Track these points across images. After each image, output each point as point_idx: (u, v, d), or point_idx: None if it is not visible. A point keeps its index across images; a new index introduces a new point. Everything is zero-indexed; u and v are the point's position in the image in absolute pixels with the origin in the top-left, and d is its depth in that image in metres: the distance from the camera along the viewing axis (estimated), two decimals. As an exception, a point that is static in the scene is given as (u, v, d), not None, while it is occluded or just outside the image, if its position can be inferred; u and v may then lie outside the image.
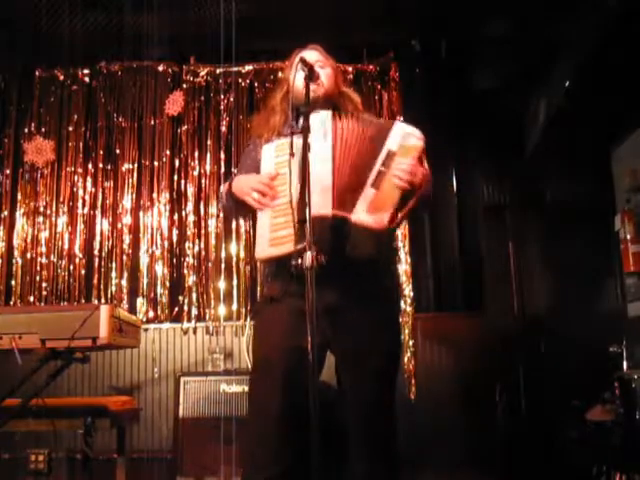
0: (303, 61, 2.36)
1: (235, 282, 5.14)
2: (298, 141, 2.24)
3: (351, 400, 2.43)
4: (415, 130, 2.45)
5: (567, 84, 4.59)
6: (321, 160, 2.29)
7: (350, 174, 2.33)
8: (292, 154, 2.23)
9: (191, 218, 5.26)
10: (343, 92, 2.73)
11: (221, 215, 5.21)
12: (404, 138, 2.40)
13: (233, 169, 5.24)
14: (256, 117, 2.85)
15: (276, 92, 2.75)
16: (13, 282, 5.18)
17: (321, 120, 2.36)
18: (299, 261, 2.16)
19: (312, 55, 2.63)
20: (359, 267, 2.36)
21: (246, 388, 4.19)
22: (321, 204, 2.23)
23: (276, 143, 2.46)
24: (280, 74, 5.33)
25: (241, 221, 5.19)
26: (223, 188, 2.67)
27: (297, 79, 2.44)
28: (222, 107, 5.40)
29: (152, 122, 5.38)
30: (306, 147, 2.18)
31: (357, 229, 2.30)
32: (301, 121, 2.35)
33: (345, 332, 2.37)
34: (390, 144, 2.39)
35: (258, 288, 5.09)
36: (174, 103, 5.32)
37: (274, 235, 2.32)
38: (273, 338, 2.41)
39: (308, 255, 2.02)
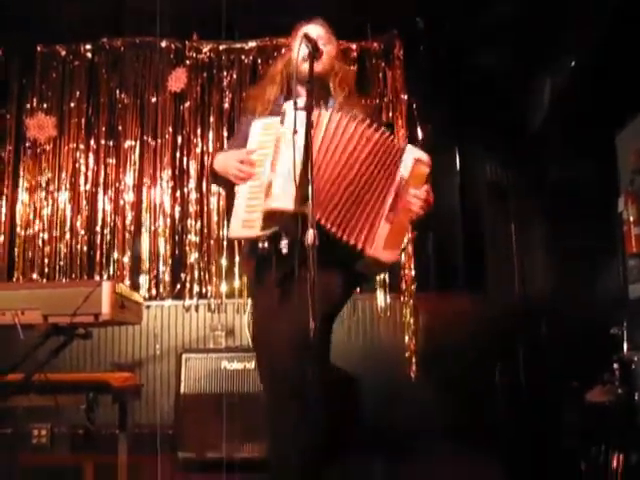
0: (307, 37, 2.34)
1: (237, 259, 5.14)
2: (288, 122, 2.24)
3: None
4: (424, 155, 2.43)
5: (572, 64, 4.56)
6: (302, 154, 2.19)
7: (339, 182, 2.31)
8: (296, 131, 2.19)
9: (193, 195, 5.25)
10: (338, 71, 2.70)
11: (222, 192, 5.21)
12: (415, 164, 2.38)
13: (231, 140, 5.23)
14: (252, 89, 2.84)
15: (278, 62, 2.73)
16: (15, 258, 5.19)
17: (305, 111, 2.26)
18: (265, 245, 2.28)
19: (316, 30, 2.61)
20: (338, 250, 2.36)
21: (247, 365, 4.21)
22: (285, 200, 2.20)
23: (264, 121, 2.46)
24: (284, 50, 5.32)
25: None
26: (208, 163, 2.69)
27: (298, 52, 2.40)
28: (225, 84, 5.37)
29: (154, 99, 5.36)
30: (309, 125, 2.17)
31: (368, 259, 2.32)
32: (299, 99, 2.32)
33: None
34: (402, 171, 2.37)
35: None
36: (177, 80, 5.28)
37: (248, 217, 2.32)
38: (264, 324, 2.48)
39: (310, 233, 2.01)
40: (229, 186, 2.55)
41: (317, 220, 2.14)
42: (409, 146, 2.45)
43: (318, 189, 2.20)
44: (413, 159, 2.39)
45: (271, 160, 2.32)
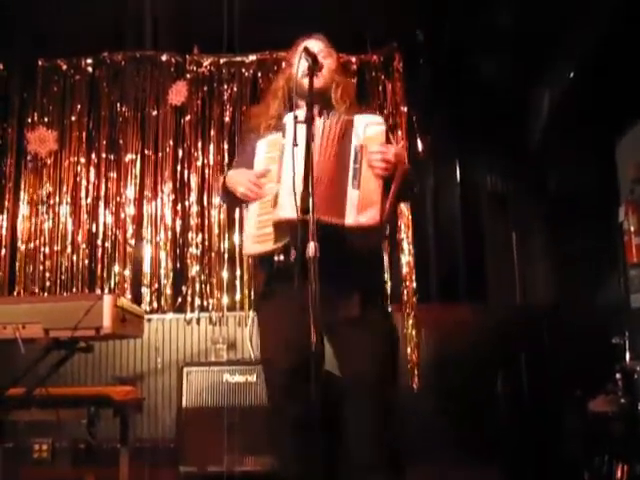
0: (307, 51, 2.36)
1: (238, 272, 5.14)
2: (289, 134, 2.28)
3: (347, 381, 2.49)
4: (374, 117, 2.50)
5: (571, 74, 4.58)
6: (303, 162, 2.22)
7: (330, 178, 2.35)
8: (296, 144, 2.22)
9: (194, 208, 5.25)
10: (339, 84, 2.73)
11: (224, 205, 5.21)
12: (366, 129, 2.42)
13: (236, 159, 5.24)
14: (255, 107, 2.89)
15: (279, 77, 2.76)
16: (17, 272, 5.19)
17: (304, 122, 2.30)
18: (281, 257, 2.32)
19: (316, 45, 2.64)
20: (355, 259, 2.41)
21: (249, 378, 4.20)
22: (291, 208, 2.21)
23: (268, 139, 2.51)
24: (284, 64, 5.34)
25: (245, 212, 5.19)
26: (220, 180, 2.72)
27: (298, 67, 2.44)
28: (225, 97, 5.39)
29: (155, 112, 5.37)
30: (310, 138, 2.18)
31: (351, 231, 2.33)
32: (299, 112, 2.35)
33: (341, 321, 2.44)
34: (355, 140, 2.41)
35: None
36: (177, 93, 5.30)
37: (259, 232, 2.36)
38: (272, 337, 2.51)
39: (311, 246, 2.03)
40: (238, 202, 2.63)
41: (318, 219, 2.17)
42: (357, 116, 2.48)
43: (319, 192, 2.23)
44: (364, 125, 2.43)
45: (277, 173, 2.36)
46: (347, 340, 2.49)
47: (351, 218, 2.32)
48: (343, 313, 2.44)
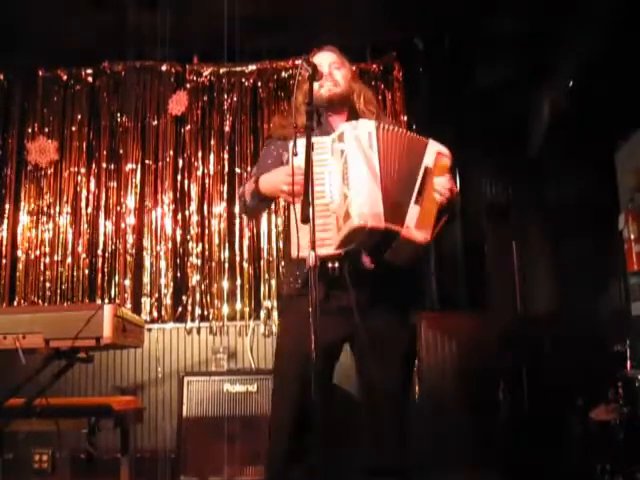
0: (306, 60, 2.38)
1: (239, 282, 5.14)
2: (348, 141, 2.35)
3: (367, 390, 2.56)
4: (445, 149, 2.55)
5: (570, 83, 4.58)
6: (369, 170, 2.35)
7: (394, 187, 2.39)
8: (296, 154, 2.25)
9: (194, 218, 5.26)
10: (360, 93, 2.77)
11: (224, 214, 5.22)
12: (438, 157, 2.50)
13: (237, 169, 5.25)
14: (279, 117, 2.91)
15: (298, 94, 2.77)
16: (17, 282, 5.19)
17: (366, 130, 2.40)
18: (336, 264, 2.39)
19: (327, 57, 2.68)
20: (391, 272, 2.46)
21: (249, 388, 4.20)
22: (374, 216, 2.30)
23: (313, 139, 2.46)
24: (283, 74, 5.36)
25: (245, 221, 5.20)
26: (244, 189, 2.69)
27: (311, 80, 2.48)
28: (225, 107, 5.40)
29: (155, 122, 5.38)
30: (309, 147, 2.19)
31: (402, 242, 2.39)
32: (323, 120, 2.42)
33: (369, 330, 2.46)
34: (427, 162, 2.48)
35: (262, 288, 5.10)
36: (177, 103, 5.31)
37: (319, 235, 2.32)
38: (294, 339, 2.49)
39: (311, 255, 2.04)
40: (268, 205, 2.72)
41: (398, 231, 2.35)
42: (431, 140, 2.54)
43: (390, 200, 2.35)
44: (436, 152, 2.50)
45: (340, 177, 2.37)
46: (368, 350, 2.51)
47: (409, 231, 2.38)
48: (369, 322, 2.45)
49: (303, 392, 2.36)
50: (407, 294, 2.66)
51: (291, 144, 2.49)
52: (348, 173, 2.34)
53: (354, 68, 4.85)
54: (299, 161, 2.41)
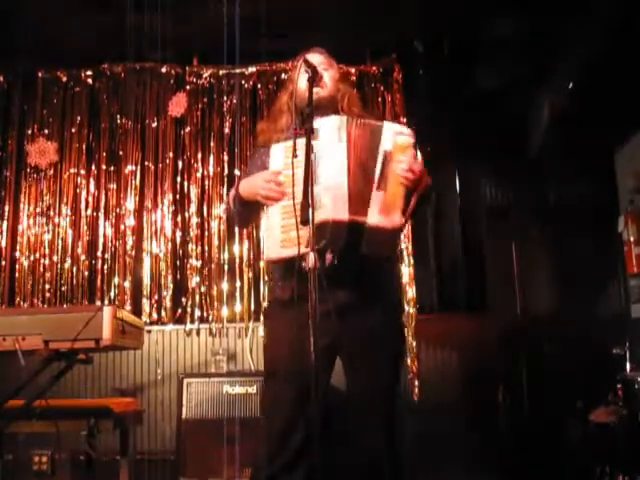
0: (306, 62, 2.39)
1: (238, 284, 5.14)
2: (303, 142, 2.28)
3: (359, 393, 2.54)
4: (403, 128, 2.55)
5: (570, 85, 4.59)
6: (336, 164, 2.35)
7: (359, 179, 2.39)
8: (295, 155, 2.26)
9: (194, 220, 5.26)
10: (344, 94, 2.77)
11: (224, 217, 5.21)
12: (396, 137, 2.47)
13: (236, 171, 5.25)
14: (262, 123, 2.91)
15: (282, 94, 2.78)
16: (17, 283, 5.19)
17: (336, 125, 2.42)
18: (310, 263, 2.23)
19: (316, 58, 2.68)
20: (372, 267, 2.46)
21: (249, 389, 4.19)
22: (338, 209, 2.30)
23: (284, 144, 2.49)
24: (283, 76, 5.36)
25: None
26: (228, 197, 2.71)
27: (301, 81, 2.53)
28: (225, 109, 5.40)
29: (155, 124, 5.38)
30: (309, 149, 2.19)
31: (371, 231, 2.36)
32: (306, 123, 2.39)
33: (356, 332, 2.46)
34: (385, 145, 2.46)
35: (261, 290, 5.10)
36: (177, 104, 5.31)
37: (285, 236, 2.35)
38: (284, 345, 2.46)
39: (311, 256, 2.04)
40: (255, 212, 2.65)
41: (363, 223, 2.34)
42: (386, 123, 2.53)
43: (356, 193, 2.35)
44: (393, 132, 2.48)
45: (305, 176, 2.30)
46: (357, 352, 2.51)
47: (374, 218, 2.37)
48: (355, 323, 2.45)
49: (300, 402, 2.35)
50: (391, 291, 2.65)
51: (272, 148, 2.53)
52: (317, 171, 2.32)
53: (353, 70, 4.85)
54: (276, 166, 2.46)
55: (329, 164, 2.34)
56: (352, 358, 2.53)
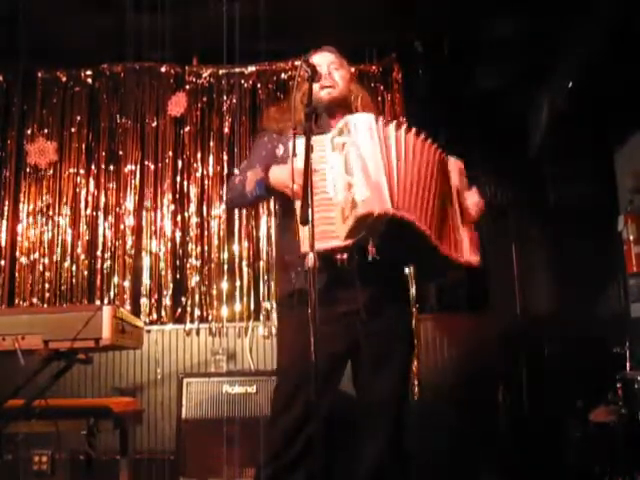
0: (306, 62, 2.37)
1: (238, 283, 5.14)
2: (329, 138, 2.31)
3: (370, 396, 2.52)
4: (460, 162, 2.62)
5: (570, 85, 4.58)
6: (374, 162, 2.27)
7: (417, 191, 2.33)
8: (295, 155, 2.24)
9: (194, 219, 5.26)
10: (357, 94, 2.77)
11: (223, 216, 5.21)
12: (460, 172, 2.56)
13: (236, 170, 5.24)
14: (274, 110, 2.85)
15: (295, 93, 2.75)
16: (16, 283, 5.18)
17: (368, 120, 2.35)
18: (344, 256, 2.33)
19: (326, 57, 2.67)
20: (396, 270, 2.52)
21: (249, 389, 4.19)
22: (381, 201, 2.22)
23: (318, 137, 2.41)
24: (283, 75, 5.36)
25: (244, 222, 5.19)
26: (245, 177, 2.60)
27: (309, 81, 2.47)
28: (225, 108, 5.40)
29: (155, 123, 5.38)
30: (309, 149, 2.18)
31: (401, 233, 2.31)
32: (322, 121, 2.40)
33: (381, 332, 2.46)
34: (454, 180, 2.53)
35: (261, 289, 5.10)
36: (177, 104, 5.31)
37: (325, 228, 2.29)
38: (300, 345, 2.39)
39: (311, 256, 2.02)
40: (283, 199, 2.57)
41: (412, 221, 2.25)
42: (450, 157, 2.57)
43: (405, 192, 2.28)
44: (457, 168, 2.54)
45: (342, 169, 2.30)
46: (380, 352, 2.50)
47: (466, 256, 2.51)
48: (379, 326, 2.46)
49: (306, 409, 2.34)
50: (405, 291, 2.67)
51: (299, 139, 2.48)
52: (351, 163, 2.28)
53: (353, 70, 4.87)
54: (299, 162, 2.40)
55: (364, 158, 2.26)
56: (374, 358, 2.48)
